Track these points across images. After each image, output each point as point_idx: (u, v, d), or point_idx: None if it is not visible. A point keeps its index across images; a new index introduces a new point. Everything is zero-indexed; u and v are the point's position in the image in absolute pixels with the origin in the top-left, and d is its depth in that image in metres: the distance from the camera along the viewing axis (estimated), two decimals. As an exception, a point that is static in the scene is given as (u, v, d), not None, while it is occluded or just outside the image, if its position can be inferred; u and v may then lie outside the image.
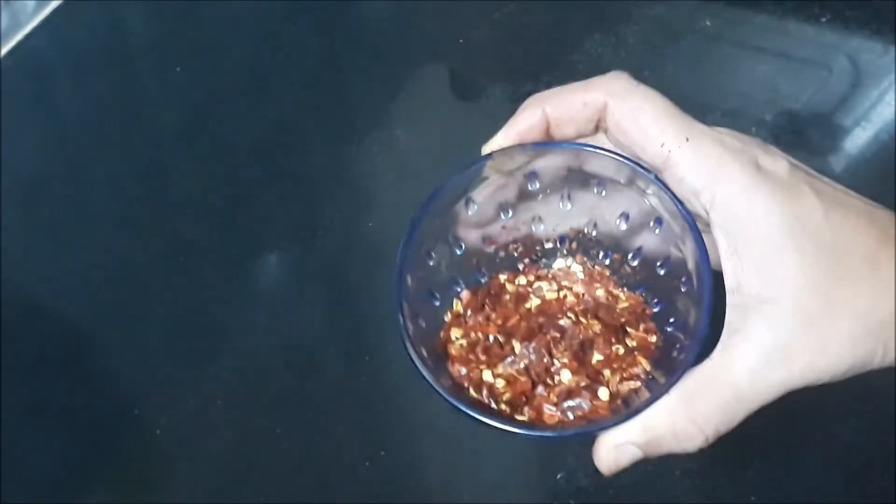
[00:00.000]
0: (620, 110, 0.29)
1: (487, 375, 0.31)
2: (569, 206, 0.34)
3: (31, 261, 0.56)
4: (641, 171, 0.29)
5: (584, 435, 0.29)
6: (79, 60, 0.65)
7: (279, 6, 0.65)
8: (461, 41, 0.62)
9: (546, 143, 0.31)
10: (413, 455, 0.47)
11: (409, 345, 0.29)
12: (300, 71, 0.62)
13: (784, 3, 0.59)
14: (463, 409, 0.28)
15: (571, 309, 0.33)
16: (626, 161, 0.30)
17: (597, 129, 0.31)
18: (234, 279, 0.54)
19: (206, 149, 0.60)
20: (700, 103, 0.28)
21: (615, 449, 0.28)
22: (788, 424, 0.44)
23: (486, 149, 0.31)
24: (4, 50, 0.64)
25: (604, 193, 0.33)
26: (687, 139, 0.27)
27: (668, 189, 0.29)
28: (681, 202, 0.28)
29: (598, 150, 0.30)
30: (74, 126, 0.62)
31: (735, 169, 0.27)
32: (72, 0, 0.66)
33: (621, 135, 0.29)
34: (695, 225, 0.28)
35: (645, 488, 0.44)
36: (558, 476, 0.45)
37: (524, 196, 0.33)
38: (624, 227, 0.33)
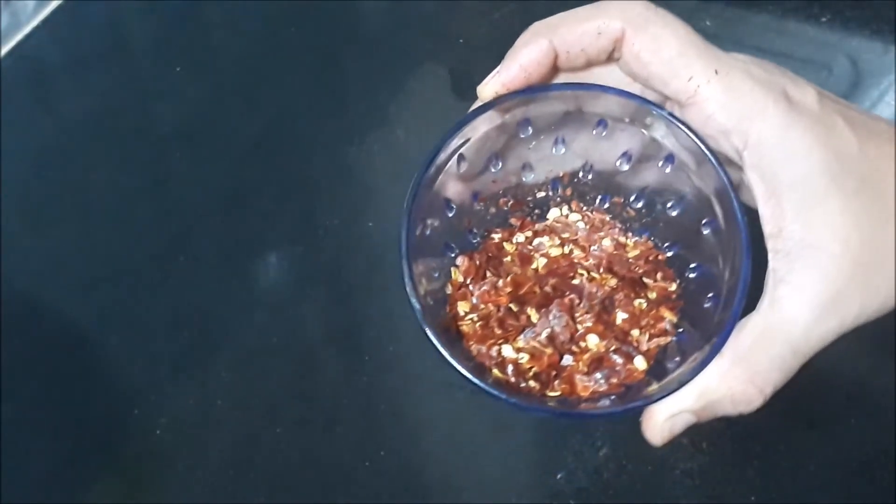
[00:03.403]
0: (640, 41, 0.26)
1: (508, 351, 0.29)
2: (563, 150, 0.31)
3: (31, 261, 0.56)
4: (657, 111, 0.27)
5: (639, 409, 0.27)
6: (79, 60, 0.65)
7: (279, 6, 0.65)
8: (461, 41, 0.62)
9: (548, 86, 0.28)
10: (413, 455, 0.47)
11: (431, 334, 0.26)
12: (300, 71, 0.62)
13: (784, 3, 0.59)
14: (511, 401, 0.25)
15: (581, 264, 0.31)
16: (638, 101, 0.27)
17: (609, 58, 0.27)
18: (234, 279, 0.54)
19: (206, 149, 0.60)
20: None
21: (670, 419, 0.26)
22: (788, 424, 0.44)
23: (484, 88, 0.28)
24: (4, 50, 0.64)
25: (604, 133, 0.29)
26: (716, 72, 0.25)
27: (689, 128, 0.26)
28: (704, 140, 0.26)
29: (607, 91, 0.27)
30: (74, 126, 0.62)
31: (768, 105, 0.25)
32: (72, 0, 0.66)
33: (640, 67, 0.26)
34: (721, 163, 0.26)
35: (645, 488, 0.44)
36: (558, 476, 0.45)
37: (514, 143, 0.30)
38: (625, 167, 0.30)
